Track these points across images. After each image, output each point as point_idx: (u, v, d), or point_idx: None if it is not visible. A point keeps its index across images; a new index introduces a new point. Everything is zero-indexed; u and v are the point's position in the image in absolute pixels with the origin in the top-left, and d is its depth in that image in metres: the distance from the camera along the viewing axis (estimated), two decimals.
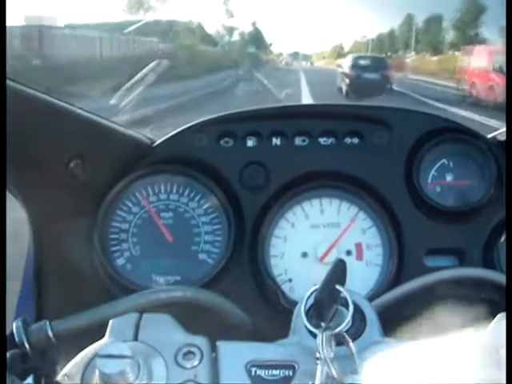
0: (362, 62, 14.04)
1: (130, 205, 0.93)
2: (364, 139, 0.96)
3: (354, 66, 13.50)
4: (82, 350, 0.52)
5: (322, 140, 0.96)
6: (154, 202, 0.94)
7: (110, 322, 0.54)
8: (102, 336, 0.53)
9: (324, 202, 0.95)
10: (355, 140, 0.96)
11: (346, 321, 0.53)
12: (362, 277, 0.91)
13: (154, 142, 0.96)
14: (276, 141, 0.96)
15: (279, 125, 0.96)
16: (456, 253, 0.92)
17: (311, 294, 0.56)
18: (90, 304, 0.61)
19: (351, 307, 0.54)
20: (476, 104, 10.43)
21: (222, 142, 0.96)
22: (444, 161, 0.96)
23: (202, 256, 0.93)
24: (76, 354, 0.52)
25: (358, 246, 0.93)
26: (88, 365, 0.50)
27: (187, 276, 0.91)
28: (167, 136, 0.95)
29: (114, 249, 0.92)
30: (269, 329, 0.63)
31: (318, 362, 0.50)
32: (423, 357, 0.48)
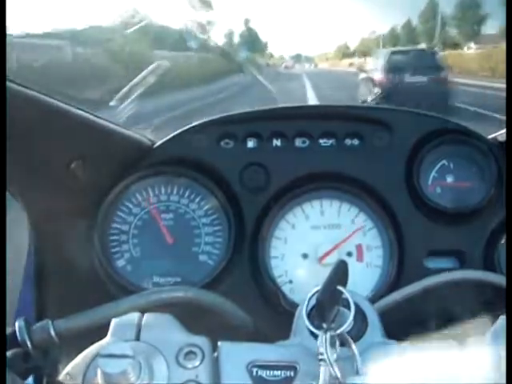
0: (403, 59, 9.54)
1: (131, 206, 0.93)
2: (364, 140, 0.96)
3: (391, 65, 9.20)
4: (84, 349, 0.52)
5: (322, 141, 0.96)
6: (154, 203, 0.94)
7: (112, 321, 0.54)
8: (104, 335, 0.53)
9: (324, 203, 0.95)
10: (355, 141, 0.96)
11: (348, 322, 0.53)
12: (363, 278, 0.91)
13: (154, 143, 0.96)
14: (276, 142, 0.96)
15: (279, 126, 0.96)
16: (456, 254, 0.92)
17: (313, 294, 0.56)
18: (91, 305, 0.61)
19: (353, 308, 0.54)
20: None
21: (222, 143, 0.96)
22: (444, 162, 0.96)
23: (202, 257, 0.93)
24: (78, 354, 0.52)
25: (359, 247, 0.93)
26: (90, 364, 0.50)
27: (187, 277, 0.91)
28: (168, 137, 0.96)
29: (114, 250, 0.92)
30: (269, 330, 0.63)
31: (321, 363, 0.49)
32: (424, 358, 0.48)
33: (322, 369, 0.49)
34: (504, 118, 0.86)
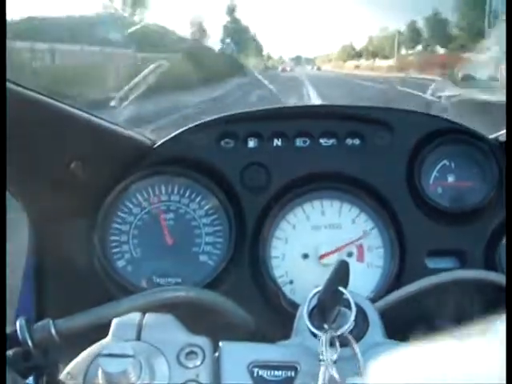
0: None
1: (131, 206, 0.93)
2: (365, 140, 0.96)
3: None
4: (85, 348, 0.52)
5: (322, 141, 0.96)
6: (154, 203, 0.94)
7: (113, 321, 0.54)
8: (105, 335, 0.53)
9: (325, 203, 0.95)
10: (356, 141, 0.96)
11: (349, 322, 0.53)
12: (363, 278, 0.91)
13: (154, 143, 0.96)
14: (277, 142, 0.96)
15: (280, 126, 0.96)
16: (457, 254, 0.92)
17: (314, 295, 0.56)
18: (91, 306, 0.61)
19: (354, 309, 0.54)
20: None
21: (222, 142, 0.96)
22: (445, 162, 0.96)
23: (202, 257, 0.93)
24: (79, 353, 0.51)
25: (359, 247, 0.93)
26: (91, 364, 0.50)
27: (188, 278, 0.91)
28: (168, 137, 0.95)
29: (114, 250, 0.92)
30: (270, 330, 0.63)
31: (321, 363, 0.49)
32: (426, 359, 0.48)
33: (321, 369, 0.49)
34: None
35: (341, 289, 0.55)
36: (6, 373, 0.45)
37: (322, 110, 1.04)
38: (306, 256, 0.93)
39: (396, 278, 0.89)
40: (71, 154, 0.80)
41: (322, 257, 0.91)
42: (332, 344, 0.51)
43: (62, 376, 0.50)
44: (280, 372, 0.51)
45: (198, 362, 0.50)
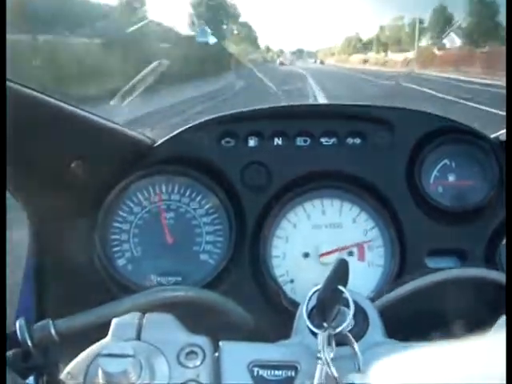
0: None
1: (131, 205, 0.93)
2: (366, 139, 0.96)
3: None
4: (85, 348, 0.52)
5: (323, 140, 0.96)
6: (155, 202, 0.94)
7: (113, 321, 0.54)
8: (105, 335, 0.53)
9: (325, 202, 0.95)
10: (357, 140, 0.96)
11: (347, 321, 0.53)
12: (364, 277, 0.91)
13: (154, 142, 0.96)
14: (277, 141, 0.96)
15: (281, 125, 0.96)
16: (458, 253, 0.92)
17: (313, 294, 0.56)
18: (91, 305, 0.61)
19: (352, 307, 0.54)
20: None
21: (223, 141, 0.96)
22: (446, 161, 0.96)
23: (203, 256, 0.93)
24: (79, 353, 0.51)
25: (360, 246, 0.93)
26: (91, 364, 0.50)
27: (188, 276, 0.91)
28: (168, 136, 0.95)
29: (114, 249, 0.92)
30: (270, 329, 0.63)
31: (319, 362, 0.49)
32: (426, 358, 0.48)
33: (318, 368, 0.49)
34: None
35: (340, 287, 0.55)
36: (5, 373, 0.45)
37: (323, 109, 1.04)
38: (306, 255, 0.93)
39: (396, 277, 0.89)
40: (71, 154, 0.80)
41: (322, 256, 0.91)
42: (329, 343, 0.51)
43: (62, 376, 0.50)
44: (280, 371, 0.51)
45: (198, 362, 0.50)
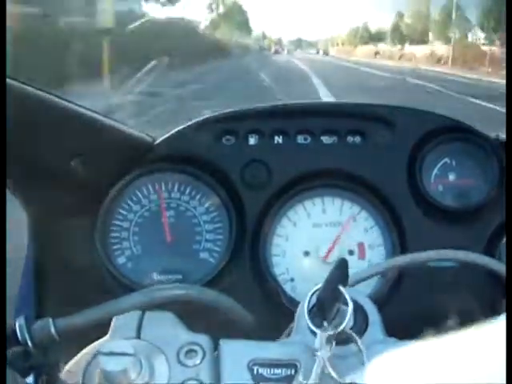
0: None
1: (131, 203, 0.93)
2: (366, 138, 0.96)
3: None
4: (85, 347, 0.52)
5: (324, 138, 0.96)
6: (155, 200, 0.94)
7: (113, 319, 0.54)
8: (105, 334, 0.53)
9: (326, 200, 0.95)
10: (357, 139, 0.96)
11: (346, 319, 0.53)
12: None
13: (155, 140, 0.95)
14: (278, 139, 0.96)
15: (281, 123, 0.96)
16: None
17: (314, 292, 0.56)
18: (91, 303, 0.61)
19: (351, 306, 0.54)
20: None
21: (223, 139, 0.95)
22: (447, 160, 0.96)
23: (203, 255, 0.93)
24: (78, 352, 0.51)
25: (360, 245, 0.93)
26: (90, 362, 0.50)
27: (188, 275, 0.91)
28: (168, 134, 0.95)
29: (114, 247, 0.92)
30: (270, 328, 0.63)
31: (316, 360, 0.49)
32: (425, 357, 0.48)
33: (314, 366, 0.49)
34: None
35: (339, 287, 0.55)
36: (5, 372, 0.45)
37: (324, 107, 1.04)
38: (306, 253, 0.93)
39: (397, 276, 0.89)
40: (71, 152, 0.80)
41: (323, 255, 0.91)
42: (328, 341, 0.51)
43: (61, 375, 0.50)
44: (280, 370, 0.51)
45: (198, 361, 0.50)
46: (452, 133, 0.94)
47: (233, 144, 0.95)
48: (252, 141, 0.96)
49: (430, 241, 0.91)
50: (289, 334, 0.56)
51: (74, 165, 0.80)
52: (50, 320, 0.57)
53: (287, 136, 0.96)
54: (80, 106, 0.79)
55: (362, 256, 0.92)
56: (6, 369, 0.46)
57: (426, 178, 0.93)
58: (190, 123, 0.95)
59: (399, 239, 0.91)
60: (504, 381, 0.38)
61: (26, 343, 0.54)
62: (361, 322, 0.55)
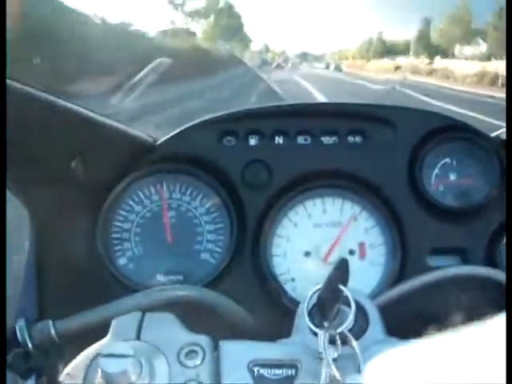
0: None
1: (133, 204, 0.93)
2: (367, 138, 0.96)
3: None
4: (85, 349, 0.52)
5: (324, 139, 0.96)
6: (156, 200, 0.94)
7: (113, 321, 0.54)
8: (105, 335, 0.53)
9: (327, 201, 0.95)
10: (358, 139, 0.96)
11: (348, 320, 0.53)
12: (365, 276, 0.91)
13: (156, 141, 0.95)
14: (278, 139, 0.96)
15: (282, 123, 0.96)
16: (459, 252, 0.92)
17: (314, 293, 0.56)
18: (92, 303, 0.61)
19: (353, 306, 0.54)
20: None
21: (224, 140, 0.96)
22: (447, 159, 0.96)
23: (204, 255, 0.93)
24: (78, 354, 0.51)
25: (361, 245, 0.93)
26: (90, 364, 0.50)
27: (189, 275, 0.91)
28: (169, 135, 0.95)
29: (115, 248, 0.92)
30: (271, 328, 0.63)
31: (321, 362, 0.49)
32: (426, 356, 0.48)
33: (323, 368, 0.49)
34: None
35: (340, 287, 0.55)
36: (5, 374, 0.45)
37: (324, 107, 1.04)
38: (307, 254, 0.93)
39: (397, 275, 0.89)
40: (72, 152, 0.80)
41: (323, 255, 0.91)
42: (332, 342, 0.51)
43: (61, 377, 0.50)
44: (280, 370, 0.51)
45: (198, 361, 0.50)
46: (452, 132, 0.94)
47: (233, 145, 0.96)
48: (252, 141, 0.96)
49: (430, 240, 0.91)
50: (289, 335, 0.56)
51: (75, 165, 0.80)
52: (50, 322, 0.57)
53: (288, 136, 0.96)
54: (81, 106, 0.79)
55: (362, 256, 0.92)
56: (5, 371, 0.46)
57: (426, 178, 0.93)
58: (190, 124, 0.96)
59: (400, 239, 0.91)
60: (504, 381, 0.38)
61: (27, 345, 0.54)
62: (361, 322, 0.55)
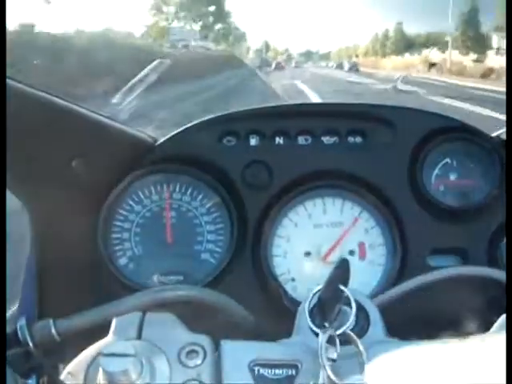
0: None
1: (133, 204, 0.93)
2: (367, 138, 0.96)
3: None
4: (86, 348, 0.52)
5: (325, 139, 0.96)
6: (156, 201, 0.94)
7: (114, 320, 0.54)
8: (106, 334, 0.53)
9: (327, 201, 0.95)
10: (358, 139, 0.96)
11: (350, 320, 0.53)
12: (365, 276, 0.91)
13: (156, 141, 0.96)
14: (279, 140, 0.96)
15: (282, 124, 0.96)
16: (459, 252, 0.92)
17: (315, 293, 0.56)
18: (92, 303, 0.61)
19: (354, 307, 0.54)
20: None
21: (224, 140, 0.96)
22: (448, 160, 0.96)
23: (204, 255, 0.93)
24: (79, 353, 0.51)
25: (361, 245, 0.93)
26: (91, 363, 0.50)
27: (190, 276, 0.91)
28: (170, 135, 0.95)
29: (116, 248, 0.92)
30: (271, 328, 0.63)
31: (320, 362, 0.49)
32: (427, 357, 0.48)
33: (321, 369, 0.49)
34: None
35: (341, 287, 0.55)
36: (5, 373, 0.45)
37: (324, 108, 1.04)
38: (307, 254, 0.93)
39: (398, 275, 0.89)
40: (73, 152, 0.80)
41: (324, 255, 0.91)
42: (332, 342, 0.51)
43: (62, 376, 0.50)
44: (281, 370, 0.51)
45: (199, 361, 0.50)
46: (453, 133, 0.95)
47: (234, 145, 0.96)
48: (253, 142, 0.96)
49: (430, 240, 0.91)
50: (290, 335, 0.56)
51: (76, 165, 0.80)
52: (51, 321, 0.57)
53: (288, 137, 0.96)
54: (81, 106, 0.80)
55: (362, 256, 0.92)
56: (5, 370, 0.46)
57: (426, 178, 0.93)
58: (191, 124, 0.96)
59: (400, 239, 0.91)
60: (504, 381, 0.38)
61: (27, 344, 0.54)
62: (362, 323, 0.55)
